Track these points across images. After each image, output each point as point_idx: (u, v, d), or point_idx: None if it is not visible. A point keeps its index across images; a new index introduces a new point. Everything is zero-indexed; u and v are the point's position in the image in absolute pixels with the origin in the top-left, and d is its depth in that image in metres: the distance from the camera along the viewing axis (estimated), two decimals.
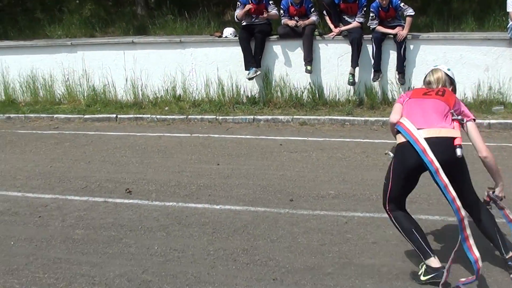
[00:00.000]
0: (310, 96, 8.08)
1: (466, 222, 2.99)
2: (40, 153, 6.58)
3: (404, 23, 7.55)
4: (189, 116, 7.98)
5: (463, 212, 2.99)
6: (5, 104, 9.29)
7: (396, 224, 3.24)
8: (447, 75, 3.39)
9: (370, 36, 7.63)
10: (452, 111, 3.16)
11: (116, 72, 8.96)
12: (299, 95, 8.11)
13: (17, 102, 9.38)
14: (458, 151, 3.01)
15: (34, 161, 6.19)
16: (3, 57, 9.49)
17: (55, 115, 8.52)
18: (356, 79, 7.78)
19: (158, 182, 5.19)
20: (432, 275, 3.09)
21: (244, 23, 8.10)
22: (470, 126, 3.19)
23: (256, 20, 8.05)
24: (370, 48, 7.69)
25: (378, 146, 6.14)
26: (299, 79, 8.11)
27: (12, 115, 8.67)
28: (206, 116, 7.93)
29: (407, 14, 7.51)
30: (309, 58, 7.89)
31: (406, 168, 3.11)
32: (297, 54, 8.09)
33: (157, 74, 8.70)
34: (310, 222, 4.11)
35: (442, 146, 3.02)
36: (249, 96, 8.37)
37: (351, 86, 7.92)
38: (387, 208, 3.25)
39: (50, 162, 6.08)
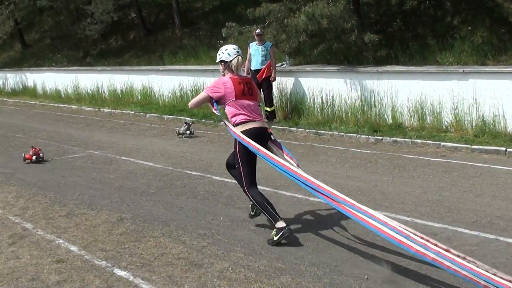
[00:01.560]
0: None
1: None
2: (427, 180, 7.06)
3: None
4: None
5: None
6: (392, 127, 10.10)
7: (254, 201, 5.07)
8: None
9: None
10: None
11: (508, 103, 8.87)
12: None
13: (404, 127, 10.08)
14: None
15: (422, 187, 6.69)
16: (393, 82, 10.35)
17: (442, 143, 8.91)
18: None
19: None
20: (281, 232, 4.83)
21: None
22: None
23: None
24: None
25: None
26: None
27: (398, 139, 9.42)
28: None
29: None
30: None
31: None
32: None
33: None
34: None
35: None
36: None
37: None
38: (247, 190, 5.06)
39: (438, 190, 6.50)
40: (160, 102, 15.42)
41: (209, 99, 5.13)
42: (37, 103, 18.78)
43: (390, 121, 10.41)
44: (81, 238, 5.34)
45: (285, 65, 12.59)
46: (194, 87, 14.34)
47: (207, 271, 4.46)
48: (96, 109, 16.05)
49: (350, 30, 11.82)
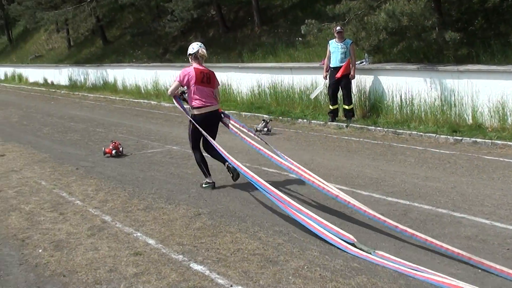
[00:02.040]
0: None
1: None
2: (508, 182, 6.79)
3: None
4: None
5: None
6: (472, 128, 9.83)
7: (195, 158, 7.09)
8: None
9: None
10: None
11: None
12: None
13: (484, 127, 9.77)
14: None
15: (502, 189, 6.44)
16: (473, 81, 10.05)
17: None
18: None
19: None
20: (207, 184, 7.01)
21: None
22: None
23: None
24: None
25: None
26: None
27: (478, 140, 9.16)
28: None
29: None
30: None
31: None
32: None
33: None
34: None
35: None
36: None
37: None
38: (192, 149, 7.14)
39: None
40: (238, 99, 15.57)
41: (178, 86, 6.88)
42: (117, 98, 19.57)
43: (470, 121, 10.19)
44: (158, 232, 5.44)
45: (364, 63, 12.36)
46: (272, 84, 14.36)
47: (282, 268, 4.43)
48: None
49: (430, 28, 11.49)
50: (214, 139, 6.81)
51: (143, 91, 20.06)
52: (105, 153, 9.25)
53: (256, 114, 13.37)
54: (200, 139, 7.05)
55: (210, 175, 7.08)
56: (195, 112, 6.85)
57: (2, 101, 21.14)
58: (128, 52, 23.49)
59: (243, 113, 13.85)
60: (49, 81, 27.70)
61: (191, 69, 6.81)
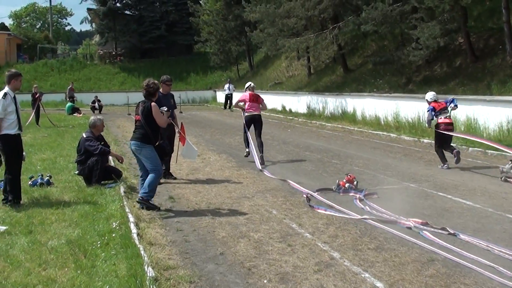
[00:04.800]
0: None
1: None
2: None
3: None
4: None
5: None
6: None
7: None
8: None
9: None
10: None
11: None
12: None
13: None
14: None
15: None
16: None
17: None
18: None
19: None
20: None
21: None
22: None
23: None
24: None
25: None
26: None
27: None
28: None
29: None
30: None
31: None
32: None
33: None
34: None
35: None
36: None
37: None
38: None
39: None
40: (485, 135, 14.70)
41: (242, 103, 13.33)
42: (355, 129, 20.07)
43: None
44: (388, 275, 5.44)
45: None
46: None
47: None
48: (416, 139, 16.25)
49: None
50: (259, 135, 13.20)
51: (382, 122, 20.25)
52: (339, 186, 9.57)
53: (503, 153, 12.43)
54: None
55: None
56: (246, 113, 13.24)
57: (240, 126, 23.17)
58: (369, 81, 23.99)
59: (489, 151, 13.04)
60: (287, 109, 29.83)
61: (246, 93, 13.41)
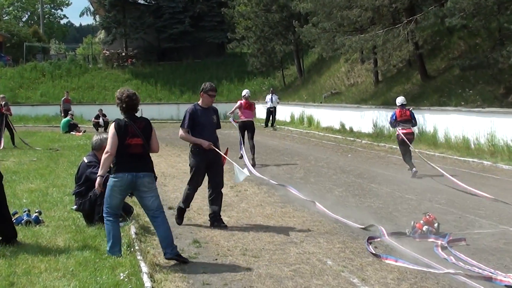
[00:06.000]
0: None
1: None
2: None
3: None
4: None
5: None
6: None
7: None
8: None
9: None
10: None
11: None
12: None
13: None
14: None
15: None
16: None
17: None
18: None
19: None
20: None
21: None
22: None
23: None
24: None
25: None
26: None
27: None
28: None
29: None
30: None
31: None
32: None
33: None
34: None
35: None
36: None
37: None
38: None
39: None
40: None
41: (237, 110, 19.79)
42: (436, 154, 19.89)
43: None
44: None
45: None
46: None
47: None
48: None
49: None
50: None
51: (473, 146, 19.99)
52: (414, 229, 9.47)
53: None
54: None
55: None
56: (238, 119, 18.08)
57: (286, 149, 23.51)
58: (455, 92, 23.68)
59: None
60: (347, 127, 29.76)
61: (241, 101, 19.01)
